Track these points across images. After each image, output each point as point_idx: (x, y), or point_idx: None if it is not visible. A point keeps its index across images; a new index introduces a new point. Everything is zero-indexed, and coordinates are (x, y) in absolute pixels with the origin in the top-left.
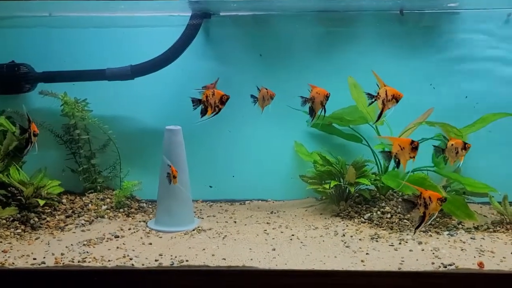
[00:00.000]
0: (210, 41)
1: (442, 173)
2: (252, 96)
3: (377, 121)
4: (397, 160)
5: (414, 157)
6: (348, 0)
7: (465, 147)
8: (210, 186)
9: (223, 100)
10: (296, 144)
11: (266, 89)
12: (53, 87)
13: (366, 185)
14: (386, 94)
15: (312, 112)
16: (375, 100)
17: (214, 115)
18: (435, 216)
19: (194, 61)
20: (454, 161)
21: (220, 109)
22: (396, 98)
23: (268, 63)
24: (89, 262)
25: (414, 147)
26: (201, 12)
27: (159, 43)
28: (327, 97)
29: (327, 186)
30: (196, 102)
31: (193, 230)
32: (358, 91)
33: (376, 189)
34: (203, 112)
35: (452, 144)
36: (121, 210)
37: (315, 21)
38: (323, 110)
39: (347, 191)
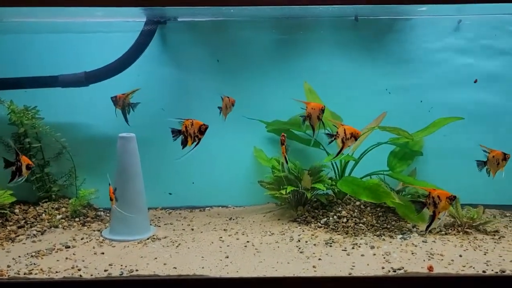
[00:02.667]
0: (167, 47)
1: (397, 177)
2: (219, 107)
3: (335, 157)
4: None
5: (285, 159)
6: (304, 7)
7: (505, 157)
8: (170, 193)
9: (202, 130)
10: (255, 149)
11: (228, 97)
12: (5, 95)
13: (324, 190)
14: (345, 132)
15: (311, 127)
16: (335, 139)
17: (195, 146)
18: (445, 215)
19: (150, 67)
20: (495, 172)
21: (200, 139)
22: (355, 136)
23: (226, 69)
24: (35, 274)
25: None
26: (156, 18)
27: (115, 49)
28: (322, 110)
29: (283, 191)
30: (176, 132)
31: (148, 238)
32: (313, 96)
33: (333, 194)
34: (184, 143)
35: (493, 156)
36: (77, 219)
37: (273, 27)
38: (321, 123)
39: (305, 196)
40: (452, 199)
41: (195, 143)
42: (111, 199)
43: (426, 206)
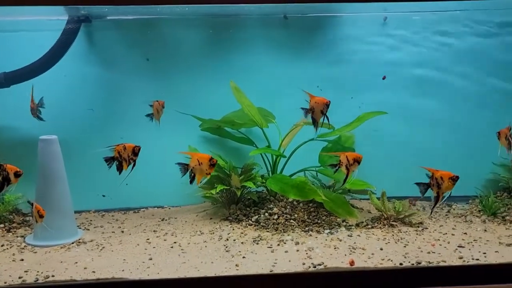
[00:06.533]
0: (95, 46)
1: (326, 173)
2: (147, 115)
3: (343, 184)
4: (193, 174)
5: (210, 173)
6: (232, 5)
7: None
8: (103, 195)
9: (136, 152)
10: (190, 148)
11: (157, 101)
12: None
13: (254, 188)
14: (347, 159)
15: (314, 121)
16: (339, 167)
17: (132, 169)
18: (448, 195)
19: (77, 66)
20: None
21: (135, 161)
22: (358, 161)
23: (156, 68)
24: None
25: (212, 164)
26: (79, 16)
27: (39, 48)
28: (327, 105)
29: (213, 191)
30: (109, 160)
31: (73, 243)
32: (240, 95)
33: (266, 191)
34: (120, 168)
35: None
36: (1, 225)
37: (203, 25)
38: (325, 118)
39: (236, 194)
40: (454, 179)
41: (131, 165)
42: (41, 216)
43: (430, 187)
